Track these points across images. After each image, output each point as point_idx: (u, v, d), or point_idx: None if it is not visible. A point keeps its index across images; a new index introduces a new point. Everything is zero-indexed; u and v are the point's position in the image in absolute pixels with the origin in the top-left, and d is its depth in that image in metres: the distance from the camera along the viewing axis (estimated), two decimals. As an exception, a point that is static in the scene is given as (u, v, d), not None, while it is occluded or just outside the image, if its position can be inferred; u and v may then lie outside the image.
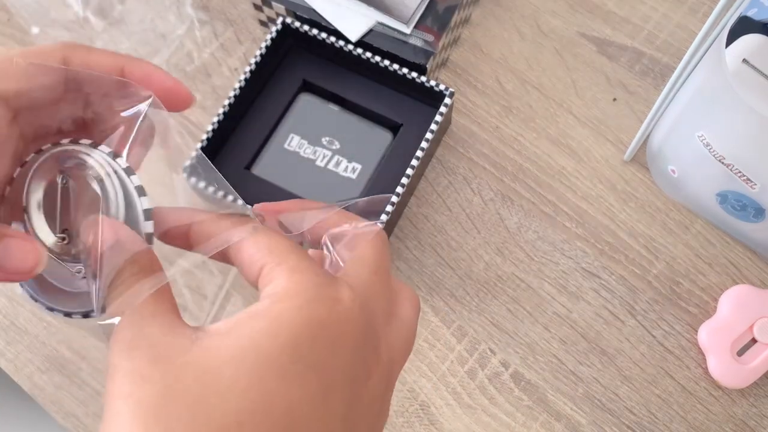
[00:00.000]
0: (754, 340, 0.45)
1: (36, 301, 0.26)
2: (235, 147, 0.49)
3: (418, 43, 0.49)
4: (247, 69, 0.48)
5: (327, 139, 0.49)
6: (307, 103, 0.50)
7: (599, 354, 0.47)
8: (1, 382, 0.53)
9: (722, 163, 0.41)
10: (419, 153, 0.45)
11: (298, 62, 0.51)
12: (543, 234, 0.50)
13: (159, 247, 0.26)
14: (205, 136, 0.46)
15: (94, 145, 0.27)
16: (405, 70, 0.47)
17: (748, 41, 0.37)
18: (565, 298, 0.48)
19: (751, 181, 0.40)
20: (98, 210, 0.25)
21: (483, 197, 0.51)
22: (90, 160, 0.26)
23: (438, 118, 0.46)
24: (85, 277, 0.25)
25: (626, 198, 0.50)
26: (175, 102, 0.28)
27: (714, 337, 0.45)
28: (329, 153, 0.49)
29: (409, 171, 0.45)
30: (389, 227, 0.48)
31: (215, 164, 0.44)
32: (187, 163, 0.38)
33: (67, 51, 0.26)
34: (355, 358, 0.23)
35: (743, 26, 0.37)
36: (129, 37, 0.57)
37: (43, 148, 0.27)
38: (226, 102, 0.47)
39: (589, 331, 0.48)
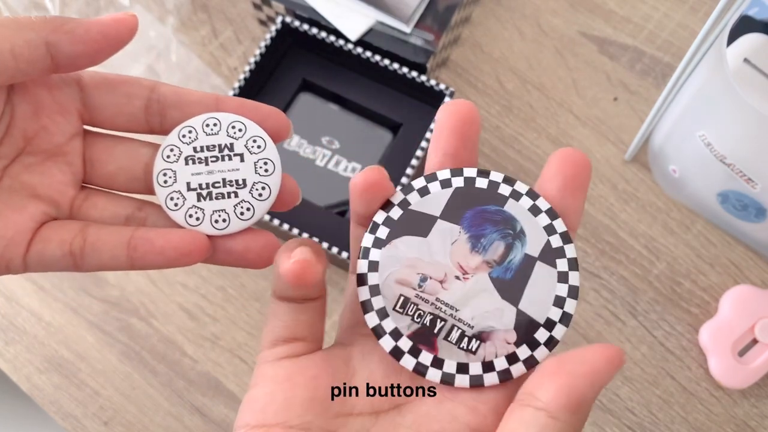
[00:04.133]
0: (755, 341, 0.45)
1: None
2: (234, 147, 0.48)
3: (419, 42, 0.49)
4: (247, 68, 0.48)
5: (327, 138, 0.49)
6: (306, 102, 0.50)
7: (600, 354, 0.47)
8: (0, 382, 0.53)
9: (723, 162, 0.41)
10: (419, 153, 0.45)
11: (298, 61, 0.51)
12: (543, 234, 0.50)
13: None
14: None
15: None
16: (405, 70, 0.47)
17: (749, 41, 0.36)
18: (566, 298, 0.48)
19: (752, 181, 0.40)
20: None
21: (483, 197, 0.51)
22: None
23: (438, 117, 0.46)
24: None
25: (627, 198, 0.50)
26: (276, 126, 0.28)
27: (715, 338, 0.45)
28: (329, 152, 0.49)
29: (409, 171, 0.45)
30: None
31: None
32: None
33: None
34: None
35: (744, 26, 0.37)
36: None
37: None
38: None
39: (590, 331, 0.47)
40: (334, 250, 0.44)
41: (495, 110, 0.53)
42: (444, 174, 0.26)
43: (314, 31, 0.49)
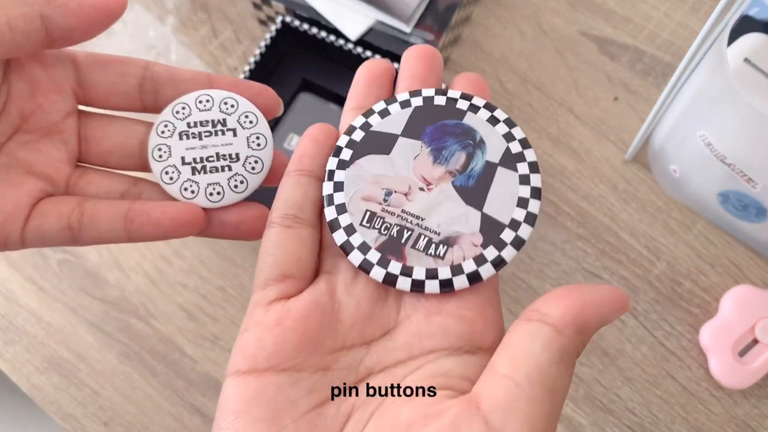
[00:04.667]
0: (755, 341, 0.45)
1: None
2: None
3: (419, 42, 0.49)
4: (247, 68, 0.48)
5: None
6: (306, 102, 0.50)
7: (600, 355, 0.47)
8: (0, 382, 0.53)
9: (724, 162, 0.41)
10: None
11: (298, 61, 0.51)
12: (544, 234, 0.49)
13: None
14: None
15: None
16: (405, 70, 0.47)
17: (750, 40, 0.36)
18: (566, 298, 0.48)
19: (753, 181, 0.40)
20: None
21: (483, 197, 0.51)
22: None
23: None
24: None
25: (627, 198, 0.50)
26: (266, 103, 0.29)
27: (715, 338, 0.45)
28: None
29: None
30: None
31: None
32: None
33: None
34: None
35: (745, 25, 0.37)
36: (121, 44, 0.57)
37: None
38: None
39: (590, 331, 0.47)
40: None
41: (495, 110, 0.53)
42: (403, 96, 0.27)
43: (314, 30, 0.48)
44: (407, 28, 0.49)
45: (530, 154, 0.26)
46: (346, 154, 0.26)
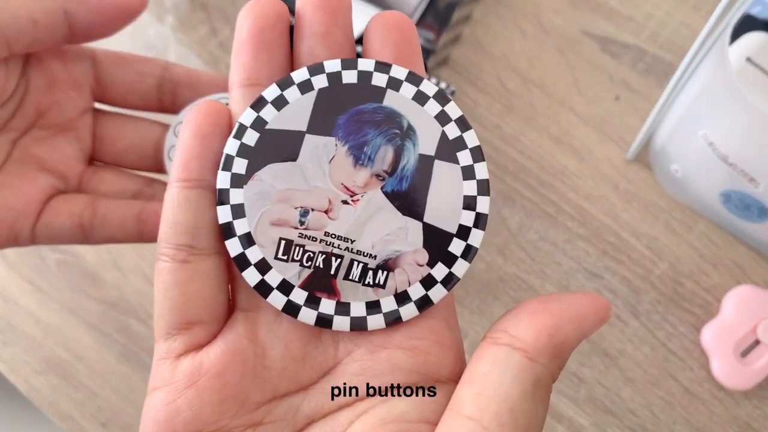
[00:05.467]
0: (757, 341, 0.45)
1: None
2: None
3: (419, 41, 0.49)
4: (246, 67, 0.47)
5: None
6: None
7: (602, 355, 0.47)
8: (-2, 383, 0.53)
9: (726, 162, 0.40)
10: (419, 152, 0.45)
11: (297, 61, 0.51)
12: (545, 234, 0.49)
13: None
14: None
15: None
16: (405, 69, 0.47)
17: (752, 39, 0.36)
18: (567, 298, 0.48)
19: (755, 181, 0.40)
20: None
21: (484, 197, 0.50)
22: None
23: (438, 117, 0.46)
24: None
25: (629, 198, 0.50)
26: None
27: (717, 339, 0.45)
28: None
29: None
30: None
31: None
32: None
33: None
34: None
35: (747, 24, 0.36)
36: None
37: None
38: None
39: (591, 332, 0.47)
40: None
41: (496, 109, 0.52)
42: (301, 75, 0.21)
43: (314, 29, 0.48)
44: (407, 27, 0.49)
45: (471, 138, 0.21)
46: (239, 165, 0.20)
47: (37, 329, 0.50)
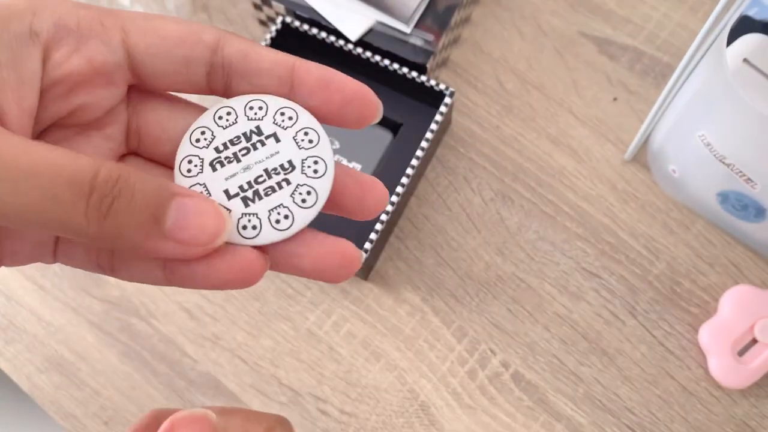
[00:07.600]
0: (754, 341, 0.45)
1: None
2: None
3: (419, 42, 0.49)
4: (247, 68, 0.48)
5: (327, 138, 0.49)
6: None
7: (600, 354, 0.47)
8: (0, 382, 0.53)
9: (723, 162, 0.41)
10: (419, 153, 0.45)
11: (298, 62, 0.51)
12: (543, 234, 0.50)
13: None
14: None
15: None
16: (405, 70, 0.47)
17: (749, 41, 0.36)
18: (566, 298, 0.48)
19: (752, 181, 0.40)
20: None
21: (483, 197, 0.51)
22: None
23: (438, 117, 0.46)
24: None
25: (627, 198, 0.50)
26: (361, 111, 0.24)
27: (715, 338, 0.45)
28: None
29: (409, 171, 0.45)
30: (389, 227, 0.48)
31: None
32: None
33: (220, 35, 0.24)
34: None
35: (744, 26, 0.37)
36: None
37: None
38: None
39: (590, 331, 0.47)
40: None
41: (495, 110, 0.53)
42: None
43: (314, 31, 0.49)
44: (407, 29, 0.49)
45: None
46: None
47: (39, 328, 0.50)
